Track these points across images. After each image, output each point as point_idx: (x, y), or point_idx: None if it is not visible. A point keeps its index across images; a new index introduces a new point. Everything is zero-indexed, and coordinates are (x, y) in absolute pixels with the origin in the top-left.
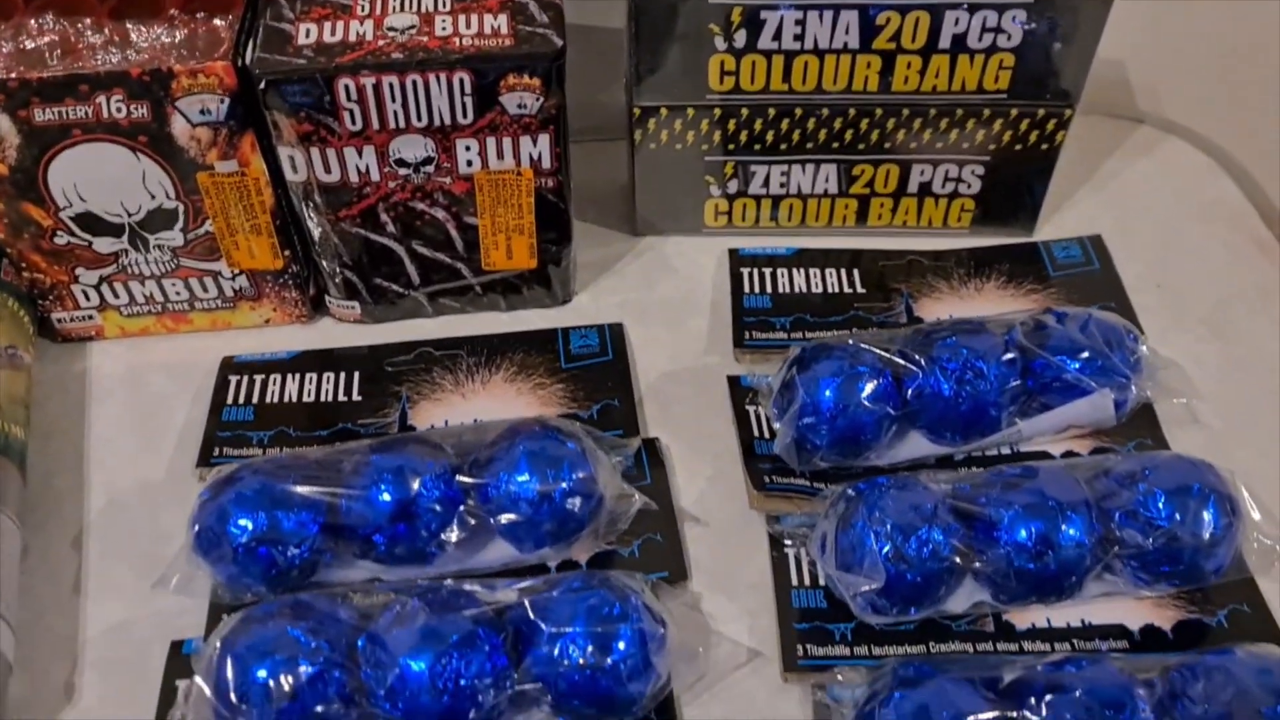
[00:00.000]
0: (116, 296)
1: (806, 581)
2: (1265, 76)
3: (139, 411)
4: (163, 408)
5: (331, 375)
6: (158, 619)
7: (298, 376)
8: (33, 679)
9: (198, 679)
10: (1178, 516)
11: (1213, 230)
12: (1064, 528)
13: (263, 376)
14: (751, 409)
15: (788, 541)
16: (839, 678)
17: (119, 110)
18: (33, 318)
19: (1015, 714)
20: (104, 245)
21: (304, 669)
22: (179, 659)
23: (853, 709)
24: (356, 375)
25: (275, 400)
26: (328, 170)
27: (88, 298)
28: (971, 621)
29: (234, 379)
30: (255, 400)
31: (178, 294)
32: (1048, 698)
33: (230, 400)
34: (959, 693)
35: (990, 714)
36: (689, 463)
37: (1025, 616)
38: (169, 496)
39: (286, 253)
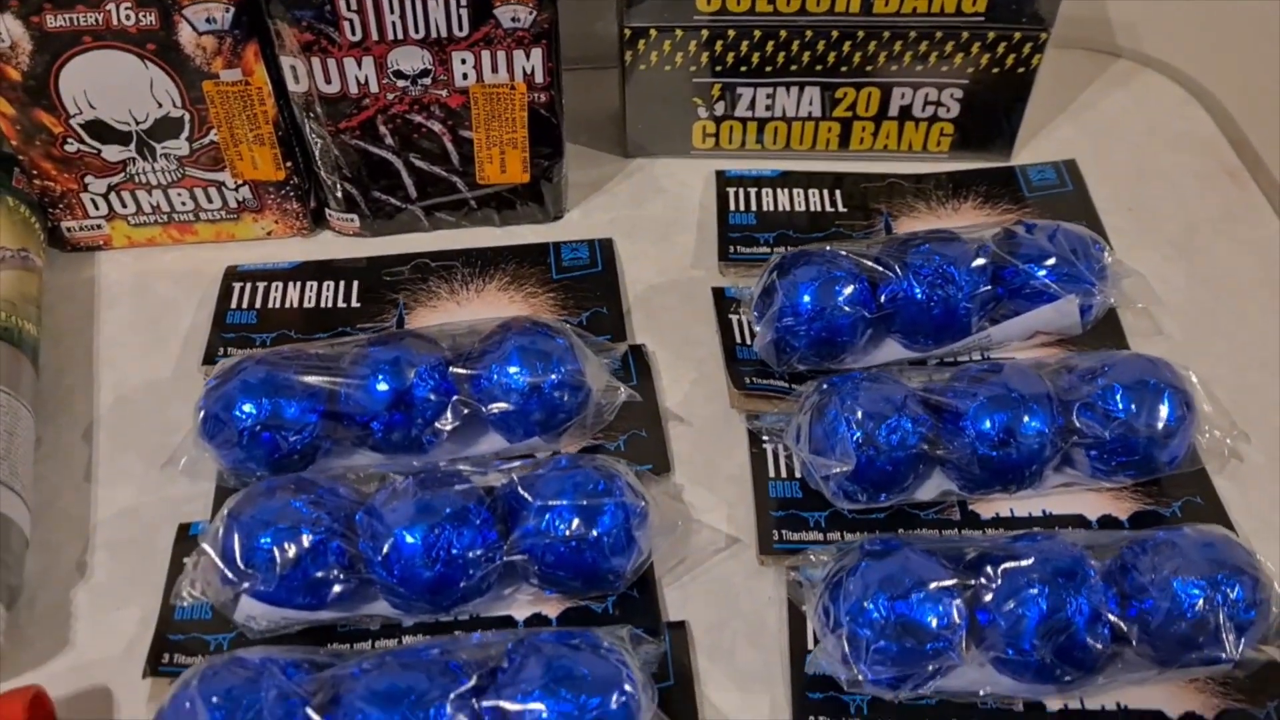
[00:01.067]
0: (124, 206)
1: (783, 474)
2: (1242, 12)
3: (146, 316)
4: (168, 313)
5: (331, 284)
6: (165, 504)
7: (298, 284)
8: (47, 557)
9: (205, 546)
10: (1134, 409)
11: (1185, 159)
12: (1026, 418)
13: (265, 284)
14: (734, 318)
15: (765, 438)
16: (812, 559)
17: (128, 17)
18: (43, 225)
19: (974, 582)
20: (112, 153)
21: (306, 538)
22: (186, 540)
23: (823, 582)
24: (355, 284)
25: (277, 305)
26: (328, 81)
27: (96, 206)
28: (939, 511)
29: (237, 285)
30: (258, 305)
31: (183, 204)
32: (1004, 566)
33: (234, 305)
34: (923, 563)
35: (951, 581)
36: (673, 367)
37: (989, 507)
38: (175, 392)
39: (288, 164)
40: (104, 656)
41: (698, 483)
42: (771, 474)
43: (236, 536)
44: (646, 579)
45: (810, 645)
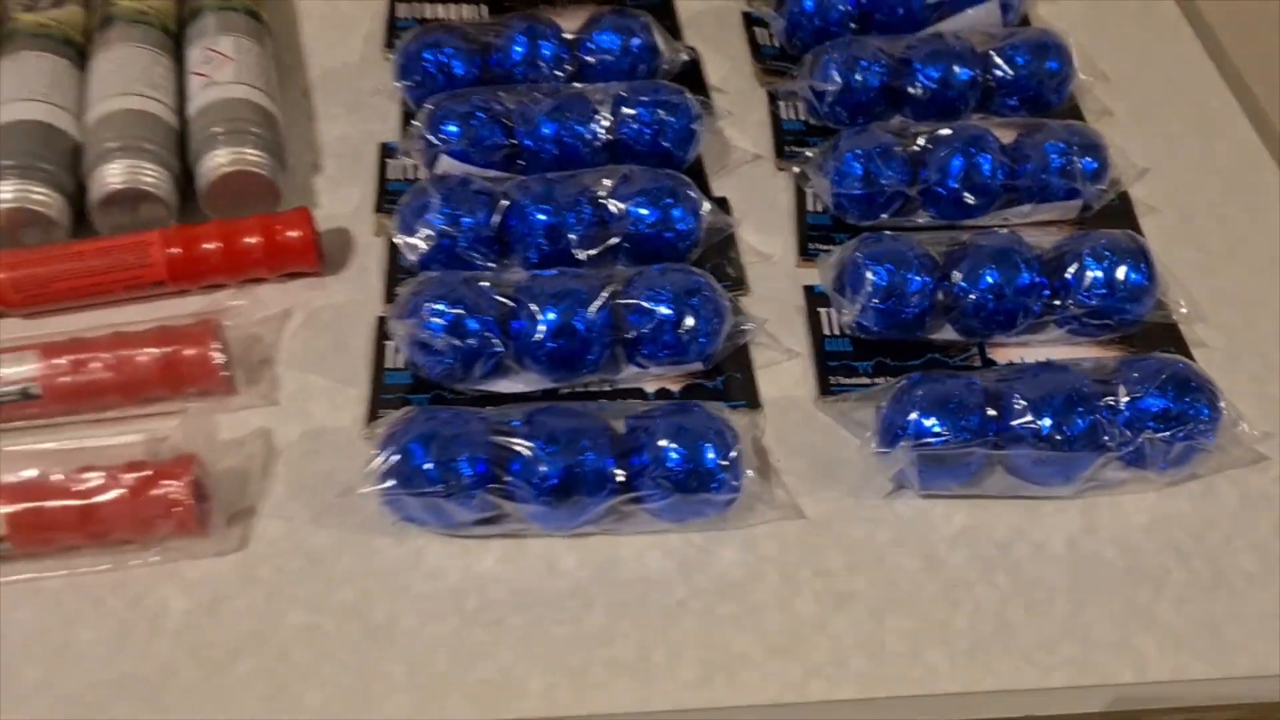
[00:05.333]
0: None
1: (795, 115)
2: None
3: (334, 25)
4: (352, 24)
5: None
6: (368, 134)
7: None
8: (291, 159)
9: (416, 123)
10: (1031, 58)
11: None
12: (957, 69)
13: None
14: (760, 29)
15: (782, 100)
16: (809, 155)
17: None
18: None
19: (916, 148)
20: None
21: (483, 119)
22: (386, 152)
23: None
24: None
25: (435, 17)
26: None
27: None
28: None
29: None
30: (417, 17)
31: None
32: (938, 133)
33: (399, 16)
34: (886, 136)
35: (901, 146)
36: (714, 61)
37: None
38: (363, 72)
39: None
40: (340, 212)
41: (731, 125)
42: (785, 115)
43: (434, 116)
44: (700, 173)
45: (810, 206)
